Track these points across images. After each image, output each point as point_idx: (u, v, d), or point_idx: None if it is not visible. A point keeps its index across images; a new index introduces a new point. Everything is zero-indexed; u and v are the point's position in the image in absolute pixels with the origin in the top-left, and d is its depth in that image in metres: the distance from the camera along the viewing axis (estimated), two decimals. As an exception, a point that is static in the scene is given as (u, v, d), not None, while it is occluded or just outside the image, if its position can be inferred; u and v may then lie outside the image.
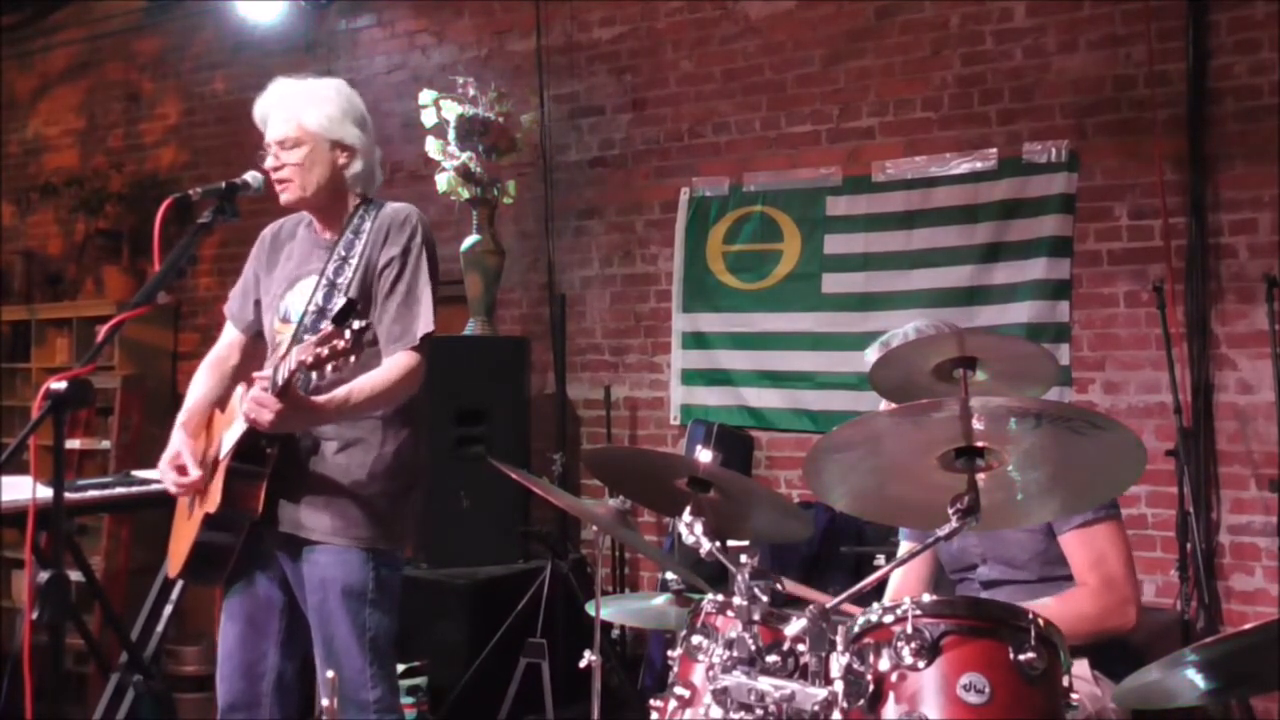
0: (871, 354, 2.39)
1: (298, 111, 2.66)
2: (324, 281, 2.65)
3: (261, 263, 2.86)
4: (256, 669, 2.70)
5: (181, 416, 2.74)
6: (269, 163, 2.67)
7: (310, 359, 2.23)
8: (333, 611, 2.58)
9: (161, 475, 2.65)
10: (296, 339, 2.62)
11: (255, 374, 2.54)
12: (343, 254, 2.66)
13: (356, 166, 2.71)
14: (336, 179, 2.69)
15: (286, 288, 2.73)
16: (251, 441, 2.49)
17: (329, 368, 2.24)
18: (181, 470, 2.61)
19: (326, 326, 2.25)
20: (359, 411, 2.55)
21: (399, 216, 2.68)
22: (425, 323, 2.59)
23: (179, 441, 2.66)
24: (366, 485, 2.60)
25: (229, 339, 2.91)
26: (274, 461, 2.54)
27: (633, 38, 5.27)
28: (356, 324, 2.20)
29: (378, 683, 2.61)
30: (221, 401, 2.80)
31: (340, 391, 2.50)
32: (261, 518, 2.55)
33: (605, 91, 5.33)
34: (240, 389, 2.61)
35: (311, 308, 2.64)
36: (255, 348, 2.88)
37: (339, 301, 2.37)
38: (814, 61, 4.84)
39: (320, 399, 2.48)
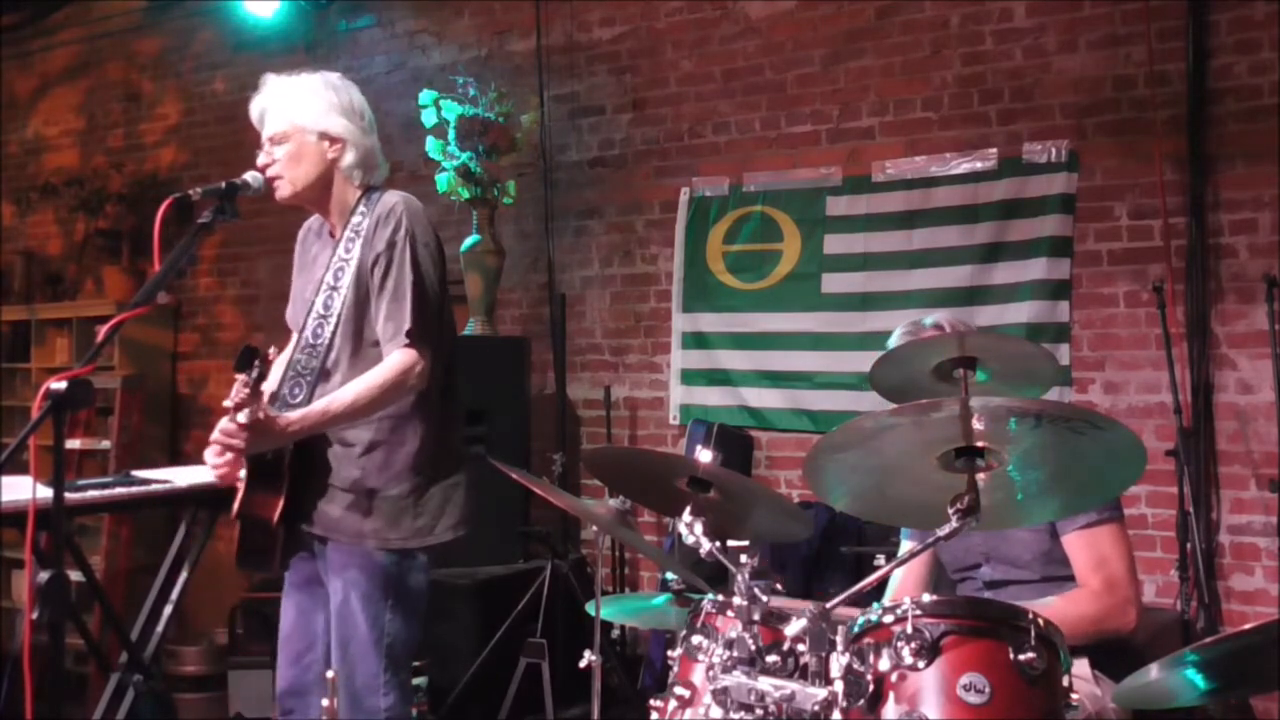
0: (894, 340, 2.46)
1: (284, 106, 2.66)
2: (325, 285, 2.65)
3: (298, 266, 2.86)
4: (305, 658, 2.71)
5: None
6: (260, 159, 2.67)
7: (235, 401, 2.37)
8: (352, 613, 2.58)
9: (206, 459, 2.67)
10: (300, 345, 2.65)
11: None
12: (344, 255, 2.65)
13: (349, 157, 2.68)
14: (328, 172, 2.68)
15: (315, 291, 2.71)
16: (258, 455, 2.52)
17: (244, 413, 2.37)
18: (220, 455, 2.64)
19: (239, 377, 2.35)
20: (349, 418, 2.54)
21: (385, 208, 2.63)
22: (408, 318, 2.55)
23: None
24: (390, 486, 2.61)
25: (294, 341, 2.90)
26: (289, 469, 2.55)
27: (633, 38, 5.27)
28: (254, 373, 2.34)
29: (390, 690, 2.60)
30: None
31: (318, 405, 2.53)
32: (290, 519, 2.57)
33: (605, 91, 5.33)
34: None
35: (314, 315, 2.65)
36: None
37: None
38: (814, 61, 4.84)
39: (294, 415, 2.50)
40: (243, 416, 2.37)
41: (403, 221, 2.61)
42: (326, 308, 2.62)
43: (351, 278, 2.61)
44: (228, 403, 2.38)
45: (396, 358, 2.54)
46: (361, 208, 2.68)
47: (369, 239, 2.62)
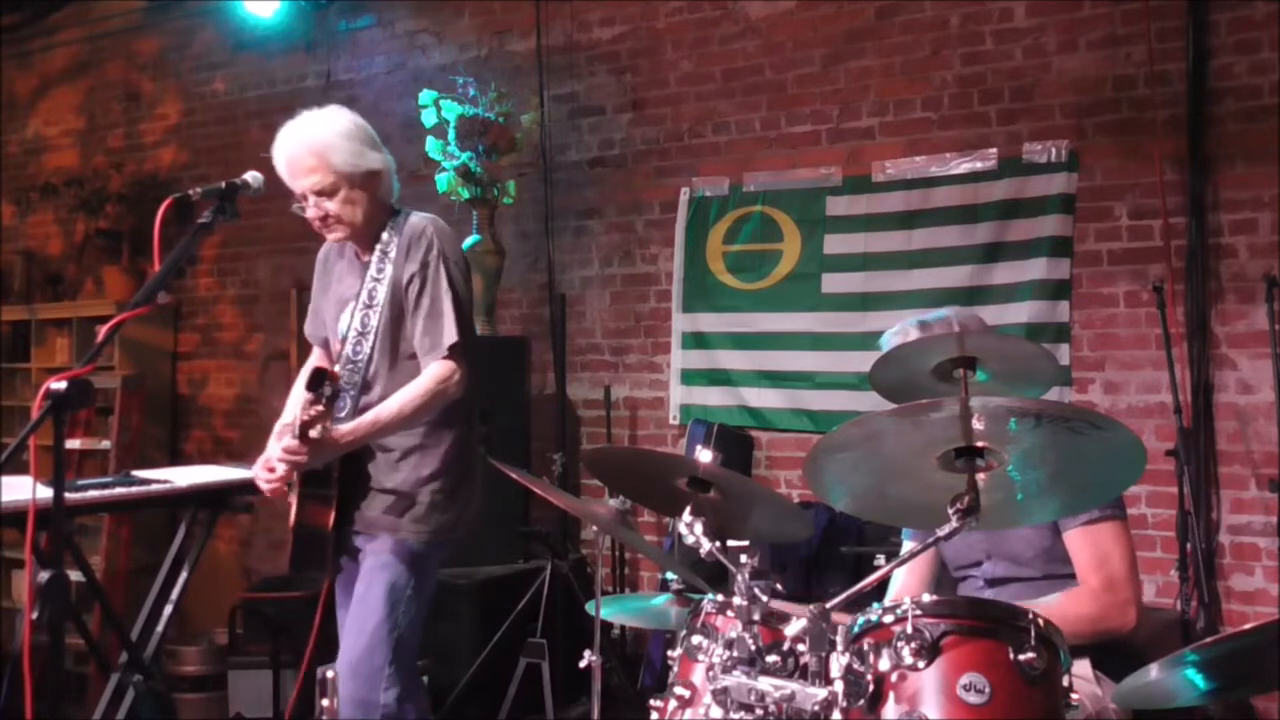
0: (890, 339, 2.47)
1: (326, 159, 2.73)
2: (360, 304, 2.80)
3: (319, 285, 3.03)
4: None
5: (278, 427, 2.90)
6: (311, 213, 2.77)
7: (304, 419, 2.58)
8: (374, 599, 2.70)
9: (255, 476, 2.81)
10: (343, 360, 2.80)
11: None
12: (375, 276, 2.80)
13: (387, 184, 2.84)
14: (375, 203, 2.81)
15: (339, 309, 2.89)
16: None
17: (318, 428, 2.58)
18: (270, 470, 2.76)
19: (308, 396, 2.57)
20: (396, 427, 2.70)
21: (417, 230, 2.79)
22: (450, 333, 2.72)
23: (271, 447, 2.80)
24: (425, 485, 2.78)
25: (317, 353, 3.08)
26: (339, 481, 2.73)
27: (633, 38, 5.27)
28: (328, 390, 2.57)
29: (391, 684, 2.69)
30: None
31: (368, 416, 2.69)
32: (338, 524, 2.74)
33: (605, 91, 5.33)
34: (303, 395, 2.73)
35: (352, 333, 2.80)
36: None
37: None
38: (814, 61, 4.84)
39: (345, 428, 2.67)
40: (314, 433, 2.56)
41: (434, 243, 2.78)
42: (364, 325, 2.79)
43: (386, 295, 2.77)
44: (290, 418, 2.57)
45: (436, 369, 2.71)
46: (389, 230, 2.83)
47: (401, 259, 2.78)
